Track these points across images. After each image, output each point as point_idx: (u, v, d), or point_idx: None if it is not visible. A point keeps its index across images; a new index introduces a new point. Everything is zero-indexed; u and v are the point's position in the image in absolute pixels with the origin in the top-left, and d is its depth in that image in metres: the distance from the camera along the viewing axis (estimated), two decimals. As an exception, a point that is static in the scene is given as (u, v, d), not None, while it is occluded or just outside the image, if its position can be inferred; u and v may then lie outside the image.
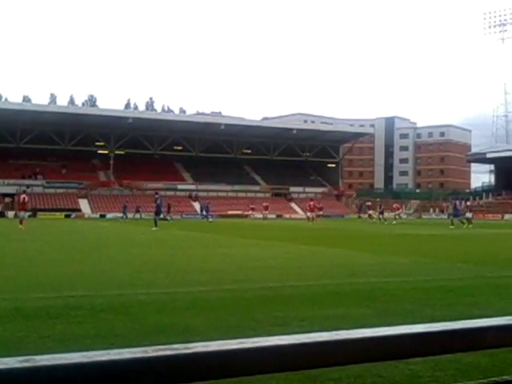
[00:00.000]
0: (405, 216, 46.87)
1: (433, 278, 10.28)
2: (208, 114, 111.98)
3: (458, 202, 43.35)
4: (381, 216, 49.21)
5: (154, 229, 31.35)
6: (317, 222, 47.24)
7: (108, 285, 9.09)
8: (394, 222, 47.66)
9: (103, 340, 5.34)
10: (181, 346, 0.99)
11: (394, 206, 55.09)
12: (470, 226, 37.52)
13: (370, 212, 55.41)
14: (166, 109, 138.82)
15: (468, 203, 42.96)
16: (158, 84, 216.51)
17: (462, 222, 38.77)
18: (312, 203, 49.98)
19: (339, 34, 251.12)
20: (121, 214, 59.13)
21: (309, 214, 48.87)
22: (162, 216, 35.90)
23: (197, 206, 76.07)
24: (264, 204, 63.17)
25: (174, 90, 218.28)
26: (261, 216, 61.03)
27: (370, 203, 58.38)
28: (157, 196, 36.04)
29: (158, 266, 11.95)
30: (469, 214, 40.72)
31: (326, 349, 1.07)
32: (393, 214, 52.16)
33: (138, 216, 59.71)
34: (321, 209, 54.57)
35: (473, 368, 4.41)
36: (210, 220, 52.81)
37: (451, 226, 36.90)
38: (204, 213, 58.47)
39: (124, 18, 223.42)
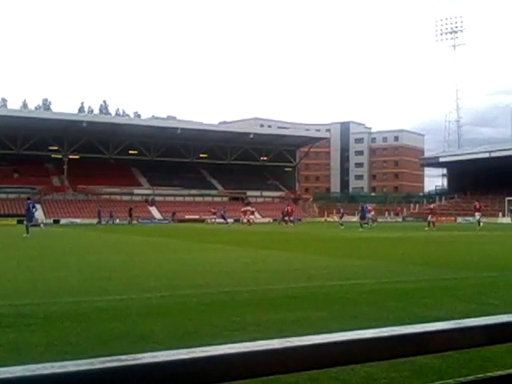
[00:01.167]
0: (370, 221, 47.42)
1: (388, 280, 10.43)
2: (163, 119, 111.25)
3: (365, 206, 45.10)
4: (340, 220, 49.82)
5: (25, 235, 29.06)
6: (290, 226, 47.42)
7: (62, 292, 8.92)
8: (374, 224, 47.29)
9: (56, 349, 5.23)
10: (129, 357, 0.96)
11: (370, 207, 55.54)
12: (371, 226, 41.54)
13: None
14: (121, 113, 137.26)
15: (431, 206, 45.18)
16: (112, 87, 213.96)
17: (363, 224, 40.91)
18: (289, 208, 50.95)
19: (294, 40, 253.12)
20: (95, 220, 58.41)
21: (286, 217, 49.98)
22: (33, 222, 32.61)
23: (154, 210, 75.49)
24: (243, 209, 62.62)
25: (128, 94, 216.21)
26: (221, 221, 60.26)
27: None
28: (29, 202, 32.17)
29: (113, 273, 11.79)
30: (430, 218, 42.48)
31: (277, 356, 1.07)
32: (369, 215, 52.38)
33: (111, 222, 59.25)
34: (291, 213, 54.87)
35: (427, 369, 4.49)
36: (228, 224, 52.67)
37: (368, 226, 38.83)
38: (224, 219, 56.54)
39: (75, 21, 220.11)
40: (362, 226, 40.19)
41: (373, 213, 53.47)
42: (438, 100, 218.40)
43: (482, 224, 43.82)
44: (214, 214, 59.22)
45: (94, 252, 18.34)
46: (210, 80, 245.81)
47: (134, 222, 60.25)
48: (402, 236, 29.97)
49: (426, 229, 38.32)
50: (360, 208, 46.27)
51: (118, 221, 60.01)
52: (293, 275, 11.37)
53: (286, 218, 49.98)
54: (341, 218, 49.87)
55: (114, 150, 78.06)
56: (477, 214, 42.79)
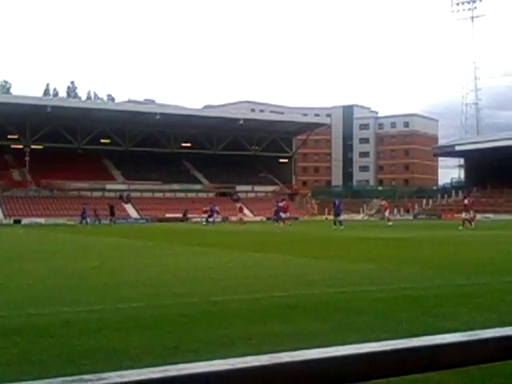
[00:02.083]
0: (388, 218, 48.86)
1: (396, 286, 10.46)
2: (140, 102, 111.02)
3: (337, 201, 46.15)
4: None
5: None
6: (283, 226, 46.93)
7: (23, 302, 8.90)
8: (390, 223, 47.85)
9: (15, 368, 5.23)
10: (93, 377, 0.96)
11: (383, 203, 56.00)
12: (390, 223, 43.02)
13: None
14: (92, 96, 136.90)
15: (465, 201, 43.74)
16: (82, 67, 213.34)
17: (336, 223, 41.76)
18: (284, 203, 50.78)
19: (289, 14, 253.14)
20: (61, 219, 58.29)
21: (283, 215, 50.14)
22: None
23: (129, 208, 75.38)
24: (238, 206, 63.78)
25: (100, 74, 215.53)
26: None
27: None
28: None
29: (83, 280, 11.78)
30: (466, 214, 42.02)
31: (265, 375, 1.07)
32: (386, 213, 53.10)
33: (97, 222, 58.73)
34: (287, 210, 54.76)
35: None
36: (205, 223, 53.48)
37: (341, 227, 39.75)
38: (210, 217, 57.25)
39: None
40: (335, 224, 40.49)
41: (388, 210, 53.79)
42: (454, 80, 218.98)
43: (391, 222, 46.64)
44: (206, 212, 58.28)
45: (60, 256, 18.29)
46: (193, 58, 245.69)
47: (104, 221, 59.83)
48: (413, 236, 30.06)
49: (461, 228, 37.95)
50: (333, 204, 47.64)
51: (104, 221, 59.53)
52: (289, 281, 11.39)
53: (281, 215, 49.71)
54: (336, 215, 50.00)
55: (83, 139, 77.84)
56: (464, 212, 42.83)
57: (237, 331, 6.68)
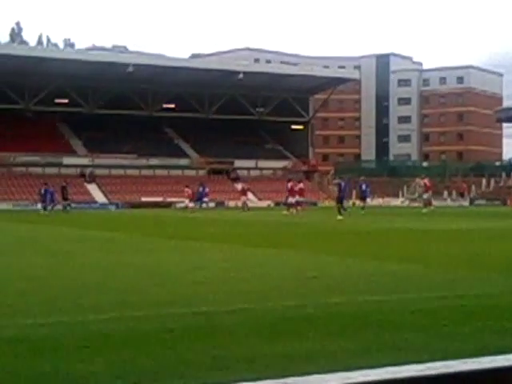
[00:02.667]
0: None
1: (444, 294, 10.48)
2: (108, 49, 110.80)
3: (364, 185, 49.65)
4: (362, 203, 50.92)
5: None
6: (295, 213, 47.59)
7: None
8: (425, 210, 49.40)
9: None
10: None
11: (423, 181, 56.46)
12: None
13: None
14: (44, 41, 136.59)
15: (424, 181, 49.09)
16: (30, 2, 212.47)
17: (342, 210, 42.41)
18: (290, 184, 51.05)
19: None
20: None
21: (291, 199, 50.79)
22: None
23: (94, 190, 75.45)
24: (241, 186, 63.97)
25: (54, 13, 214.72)
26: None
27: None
28: None
29: (32, 283, 11.82)
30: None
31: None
32: (425, 196, 54.16)
33: (60, 207, 58.62)
34: (301, 193, 55.10)
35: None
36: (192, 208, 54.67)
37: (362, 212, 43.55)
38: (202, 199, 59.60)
39: None
40: (340, 213, 40.92)
41: (430, 192, 54.14)
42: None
43: (428, 208, 49.19)
44: (189, 195, 58.75)
45: (1, 252, 18.32)
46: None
47: (58, 207, 59.93)
48: (469, 228, 30.02)
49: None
50: (359, 187, 51.25)
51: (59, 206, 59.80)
52: (303, 286, 11.41)
53: (290, 200, 50.11)
54: (362, 199, 50.66)
55: (32, 99, 77.74)
56: (425, 194, 48.28)
57: (235, 351, 6.71)
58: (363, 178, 55.08)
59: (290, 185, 51.54)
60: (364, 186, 51.54)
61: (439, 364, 1.24)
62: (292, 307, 9.34)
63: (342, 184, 46.00)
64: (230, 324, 8.17)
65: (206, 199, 60.29)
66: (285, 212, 48.10)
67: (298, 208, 49.10)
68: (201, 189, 59.69)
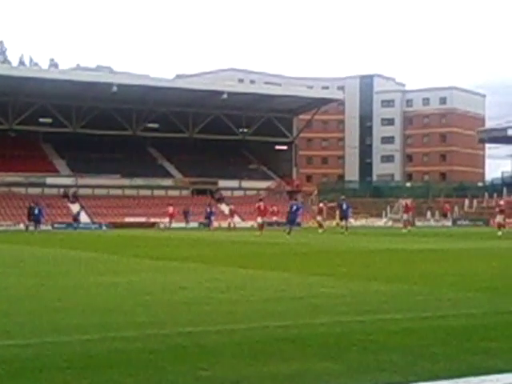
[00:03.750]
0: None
1: (430, 314, 10.50)
2: (92, 69, 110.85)
3: (345, 205, 50.86)
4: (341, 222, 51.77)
5: None
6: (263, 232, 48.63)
7: None
8: (404, 230, 52.19)
9: None
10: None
11: (404, 202, 57.63)
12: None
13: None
14: (27, 61, 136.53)
15: (406, 201, 52.74)
16: (14, 22, 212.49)
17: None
18: (261, 205, 51.79)
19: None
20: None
21: (259, 219, 52.13)
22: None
23: (76, 209, 75.25)
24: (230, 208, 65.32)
25: (39, 33, 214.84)
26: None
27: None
28: None
29: (15, 304, 11.76)
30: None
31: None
32: (404, 216, 55.77)
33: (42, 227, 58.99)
34: (275, 213, 56.26)
35: None
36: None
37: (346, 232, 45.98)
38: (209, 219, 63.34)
39: None
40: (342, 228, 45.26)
41: (410, 213, 54.91)
42: (505, 48, 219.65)
43: (408, 228, 51.84)
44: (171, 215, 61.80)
45: (-16, 273, 18.23)
46: (162, 15, 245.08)
47: (45, 226, 60.03)
48: (452, 248, 30.16)
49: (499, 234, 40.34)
50: (339, 207, 53.11)
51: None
52: (289, 307, 11.41)
53: (259, 220, 51.35)
54: (342, 219, 51.12)
55: (15, 118, 77.63)
56: (405, 214, 52.95)
57: (220, 372, 6.67)
58: (343, 198, 55.62)
59: (261, 205, 52.43)
60: (345, 206, 51.69)
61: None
62: (276, 328, 9.31)
63: (344, 205, 49.70)
64: (215, 345, 8.14)
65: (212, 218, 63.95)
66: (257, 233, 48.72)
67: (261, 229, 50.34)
68: (208, 209, 63.68)
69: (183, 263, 21.42)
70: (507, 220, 47.60)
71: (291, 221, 46.07)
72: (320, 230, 50.95)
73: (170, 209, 63.32)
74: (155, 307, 11.39)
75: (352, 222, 61.68)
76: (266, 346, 8.00)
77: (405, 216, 55.87)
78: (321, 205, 59.44)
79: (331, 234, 45.90)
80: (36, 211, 57.81)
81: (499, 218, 46.63)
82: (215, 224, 64.26)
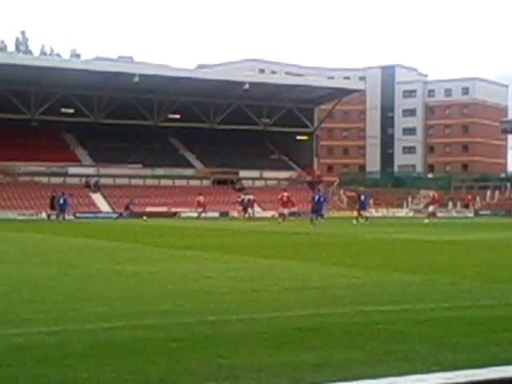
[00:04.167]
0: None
1: (453, 304, 10.47)
2: (114, 60, 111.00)
3: (363, 196, 51.76)
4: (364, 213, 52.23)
5: None
6: (287, 222, 49.42)
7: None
8: (427, 220, 52.98)
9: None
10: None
11: (431, 194, 57.98)
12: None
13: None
14: (49, 51, 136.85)
15: (434, 193, 54.48)
16: (35, 12, 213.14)
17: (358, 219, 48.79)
18: (286, 195, 52.44)
19: None
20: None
21: (282, 210, 53.03)
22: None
23: (99, 199, 75.47)
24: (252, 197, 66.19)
25: (59, 23, 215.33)
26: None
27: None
28: None
29: (37, 292, 11.81)
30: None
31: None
32: (430, 208, 56.41)
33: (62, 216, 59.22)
34: (293, 204, 56.60)
35: None
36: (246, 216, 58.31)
37: (361, 221, 47.69)
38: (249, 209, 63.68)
39: None
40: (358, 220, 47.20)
41: (436, 205, 55.29)
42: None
43: (430, 219, 52.46)
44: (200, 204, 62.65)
45: (6, 261, 18.34)
46: (182, 4, 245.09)
47: (68, 216, 60.31)
48: (475, 239, 30.04)
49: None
50: (357, 197, 53.74)
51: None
52: (311, 297, 11.41)
53: (283, 211, 52.35)
54: (359, 210, 51.27)
55: (37, 108, 77.83)
56: (431, 206, 54.59)
57: (242, 361, 6.69)
58: (362, 189, 56.14)
59: (286, 195, 52.97)
60: (363, 197, 52.16)
61: (468, 372, 1.23)
62: (299, 317, 9.33)
63: (363, 197, 51.04)
64: (237, 333, 8.16)
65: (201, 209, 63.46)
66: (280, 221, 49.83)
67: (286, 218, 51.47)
68: (245, 199, 64.21)
69: (205, 252, 21.43)
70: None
71: (316, 211, 47.14)
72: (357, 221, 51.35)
73: (201, 198, 63.66)
74: (178, 296, 11.40)
75: (373, 212, 62.11)
76: (288, 335, 8.02)
77: (431, 208, 56.10)
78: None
79: (352, 225, 45.72)
80: (61, 201, 58.13)
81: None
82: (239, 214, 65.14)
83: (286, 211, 52.23)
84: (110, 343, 7.57)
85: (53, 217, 58.35)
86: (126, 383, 5.97)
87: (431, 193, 59.76)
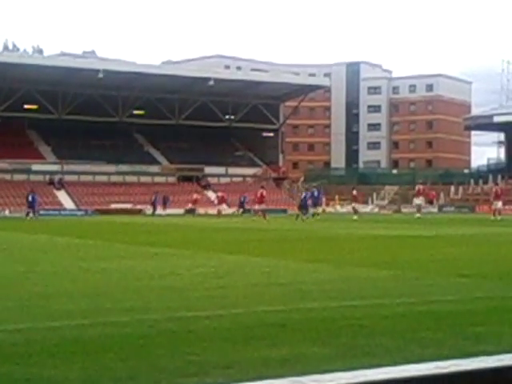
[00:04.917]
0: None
1: (419, 299, 10.53)
2: (77, 56, 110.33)
3: (316, 192, 53.42)
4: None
5: None
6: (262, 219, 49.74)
7: None
8: (418, 214, 53.35)
9: None
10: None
11: (417, 187, 58.44)
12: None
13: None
14: (10, 46, 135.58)
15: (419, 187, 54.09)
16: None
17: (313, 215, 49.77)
18: (261, 191, 53.14)
19: None
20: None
21: (257, 207, 54.25)
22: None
23: (63, 196, 75.05)
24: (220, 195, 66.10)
25: (22, 19, 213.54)
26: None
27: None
28: None
29: (3, 290, 11.75)
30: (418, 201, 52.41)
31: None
32: (416, 201, 56.85)
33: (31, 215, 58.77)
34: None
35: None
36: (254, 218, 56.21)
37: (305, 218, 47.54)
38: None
39: None
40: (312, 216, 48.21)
41: (421, 198, 56.10)
42: (492, 35, 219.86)
43: (419, 215, 52.39)
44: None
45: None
46: (148, 1, 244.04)
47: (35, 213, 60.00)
48: (439, 234, 30.29)
49: (492, 218, 41.20)
50: (310, 194, 53.99)
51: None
52: (278, 293, 11.42)
53: (257, 207, 53.67)
54: (315, 206, 52.65)
55: (0, 104, 77.12)
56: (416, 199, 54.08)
57: (211, 357, 6.69)
58: (315, 185, 57.77)
59: (261, 192, 53.28)
60: (316, 193, 53.81)
61: (449, 363, 1.23)
62: (266, 313, 9.34)
63: (316, 193, 52.79)
64: (205, 329, 8.15)
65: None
66: (254, 218, 50.76)
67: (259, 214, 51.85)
68: (242, 198, 64.03)
69: (172, 249, 21.43)
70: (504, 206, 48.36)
71: (302, 207, 49.87)
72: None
73: (195, 195, 65.56)
74: (144, 293, 11.38)
75: (325, 209, 63.88)
76: (256, 331, 8.02)
77: (417, 201, 56.66)
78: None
79: (317, 221, 45.94)
80: (30, 198, 57.93)
81: (496, 204, 47.86)
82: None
83: (259, 207, 52.69)
84: (76, 340, 7.52)
85: (31, 214, 57.84)
86: (94, 381, 5.94)
87: (417, 187, 60.12)
